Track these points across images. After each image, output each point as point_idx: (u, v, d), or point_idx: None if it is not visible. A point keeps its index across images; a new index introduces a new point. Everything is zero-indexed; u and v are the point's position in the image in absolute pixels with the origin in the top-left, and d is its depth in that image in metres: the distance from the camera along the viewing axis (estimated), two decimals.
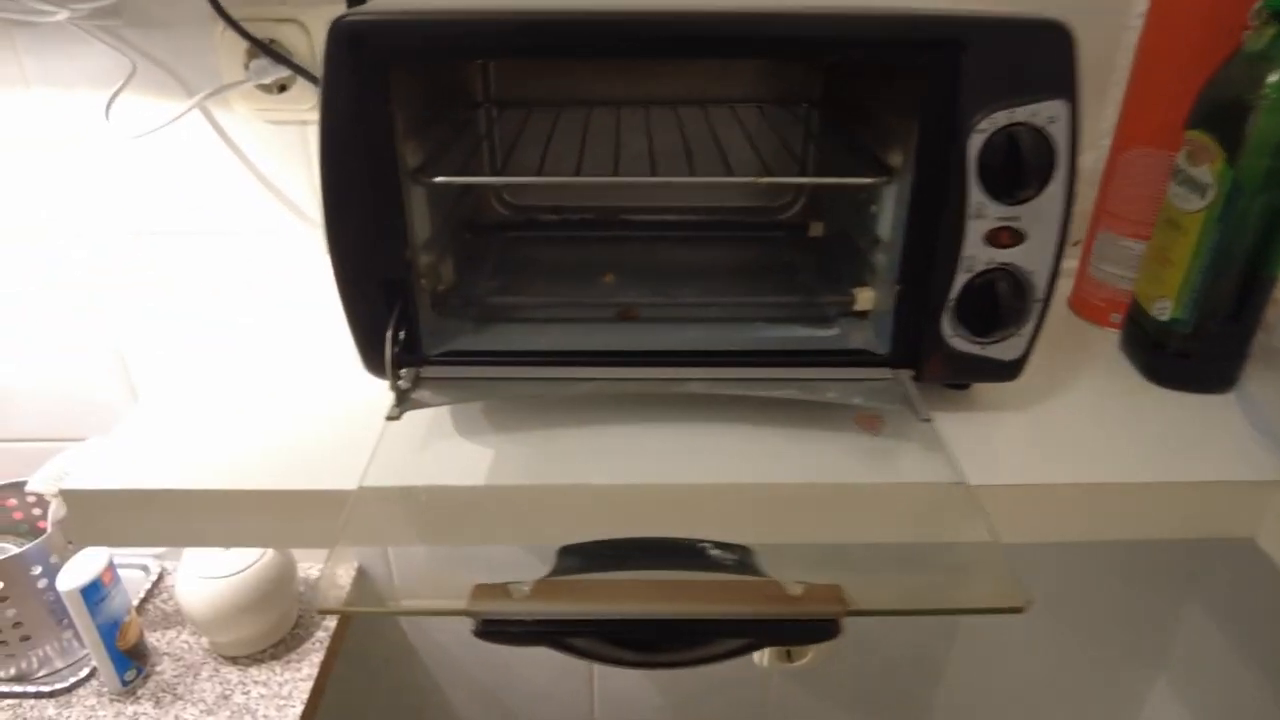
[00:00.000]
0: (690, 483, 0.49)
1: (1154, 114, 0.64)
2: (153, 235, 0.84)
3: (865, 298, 0.59)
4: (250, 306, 0.72)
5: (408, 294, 0.53)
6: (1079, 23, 0.47)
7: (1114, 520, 0.55)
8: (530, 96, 0.74)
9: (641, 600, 0.38)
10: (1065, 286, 0.75)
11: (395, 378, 0.53)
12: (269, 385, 0.61)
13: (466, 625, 1.07)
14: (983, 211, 0.51)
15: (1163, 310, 0.61)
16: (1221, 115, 0.56)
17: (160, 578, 0.99)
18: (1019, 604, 0.38)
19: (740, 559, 0.40)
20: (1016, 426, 0.58)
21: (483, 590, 0.38)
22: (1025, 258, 0.52)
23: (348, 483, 0.49)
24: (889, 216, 0.56)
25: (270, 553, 0.89)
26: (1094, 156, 0.71)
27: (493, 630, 0.39)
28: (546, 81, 0.74)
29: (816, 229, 0.73)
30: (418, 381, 0.54)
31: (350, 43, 0.47)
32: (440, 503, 0.48)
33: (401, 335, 0.53)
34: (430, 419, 0.56)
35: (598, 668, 1.09)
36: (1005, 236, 0.51)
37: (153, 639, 0.91)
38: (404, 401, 0.52)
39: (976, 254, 0.52)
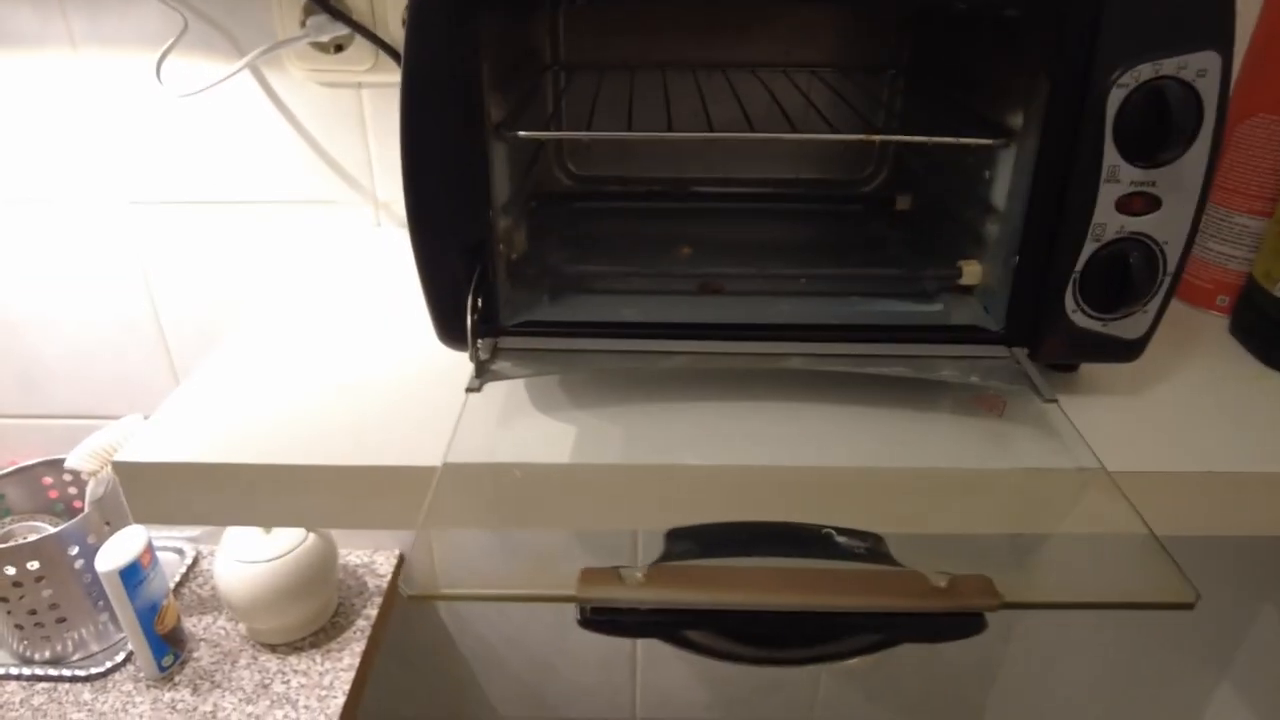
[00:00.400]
0: (799, 465, 0.45)
1: (1278, 77, 0.59)
2: (199, 204, 0.80)
3: (972, 271, 0.55)
4: (300, 278, 0.68)
5: (488, 259, 0.49)
6: None
7: (1239, 513, 0.51)
8: (600, 59, 0.70)
9: (770, 591, 0.34)
10: None
11: (474, 348, 0.49)
12: (322, 358, 0.57)
13: (509, 617, 1.03)
14: (1116, 175, 0.46)
15: None
16: None
17: (195, 561, 0.96)
18: (1189, 599, 0.34)
19: (872, 547, 0.36)
20: (1129, 411, 0.54)
21: (591, 575, 0.34)
22: (1159, 227, 0.48)
23: (420, 459, 0.46)
24: (1004, 183, 0.51)
25: (311, 538, 0.86)
26: None
27: (602, 620, 0.35)
28: (617, 42, 0.70)
29: (904, 202, 0.69)
30: (495, 352, 0.51)
31: None
32: (531, 481, 0.44)
33: (479, 303, 0.49)
34: (505, 394, 0.52)
35: (642, 662, 1.05)
36: (1139, 203, 0.47)
37: (189, 624, 0.88)
38: (484, 373, 0.48)
39: (1107, 222, 0.47)
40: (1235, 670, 1.05)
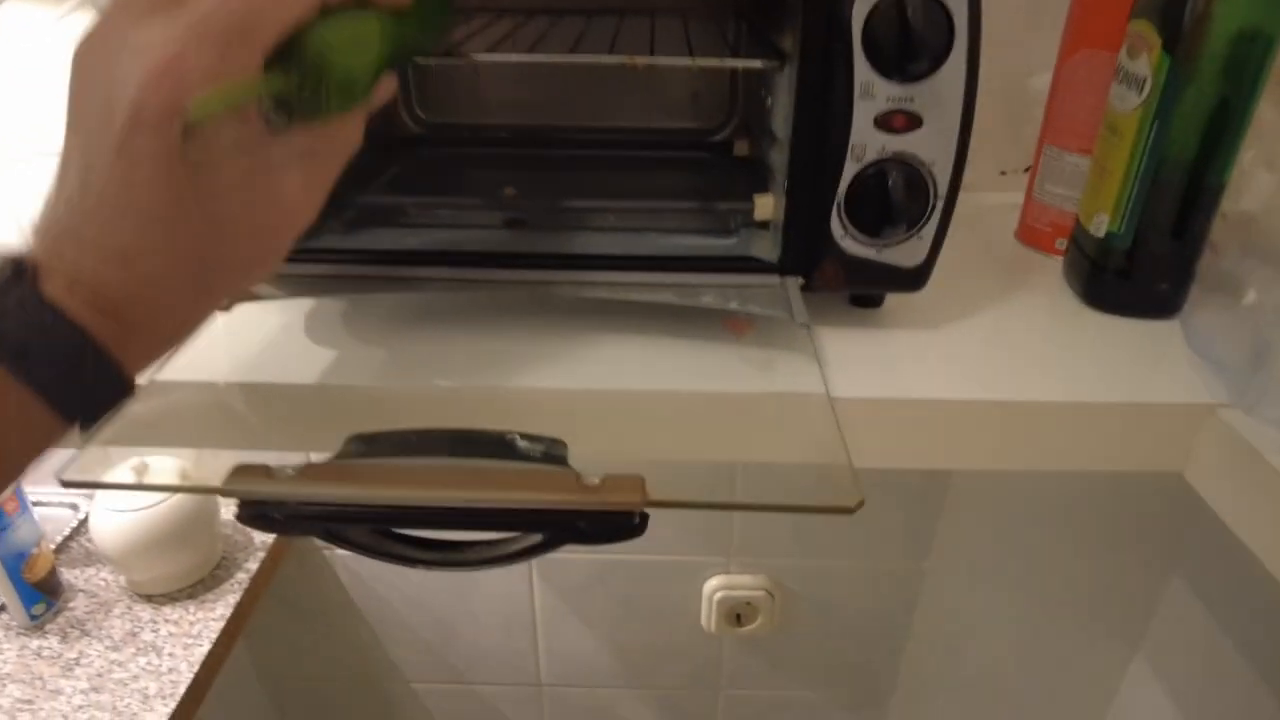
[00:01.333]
0: (536, 387, 0.45)
1: (1102, 11, 0.57)
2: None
3: (764, 205, 0.54)
4: None
5: None
6: None
7: (1027, 445, 0.49)
8: None
9: (419, 487, 0.34)
10: (1013, 217, 0.69)
11: None
12: None
13: (407, 578, 1.02)
14: (871, 91, 0.45)
15: (1100, 225, 0.55)
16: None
17: (88, 516, 0.96)
18: (848, 504, 0.33)
19: (548, 450, 0.36)
20: (931, 345, 0.53)
21: (242, 470, 0.34)
22: (923, 145, 0.46)
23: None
24: (782, 109, 0.50)
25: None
26: (1049, 77, 0.65)
27: (254, 514, 0.34)
28: None
29: (741, 148, 0.68)
30: None
31: None
32: (244, 400, 0.44)
33: None
34: (280, 322, 0.52)
35: (542, 626, 1.05)
36: (899, 120, 0.46)
37: (72, 576, 0.89)
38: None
39: (867, 141, 0.46)
40: (1148, 642, 1.02)
